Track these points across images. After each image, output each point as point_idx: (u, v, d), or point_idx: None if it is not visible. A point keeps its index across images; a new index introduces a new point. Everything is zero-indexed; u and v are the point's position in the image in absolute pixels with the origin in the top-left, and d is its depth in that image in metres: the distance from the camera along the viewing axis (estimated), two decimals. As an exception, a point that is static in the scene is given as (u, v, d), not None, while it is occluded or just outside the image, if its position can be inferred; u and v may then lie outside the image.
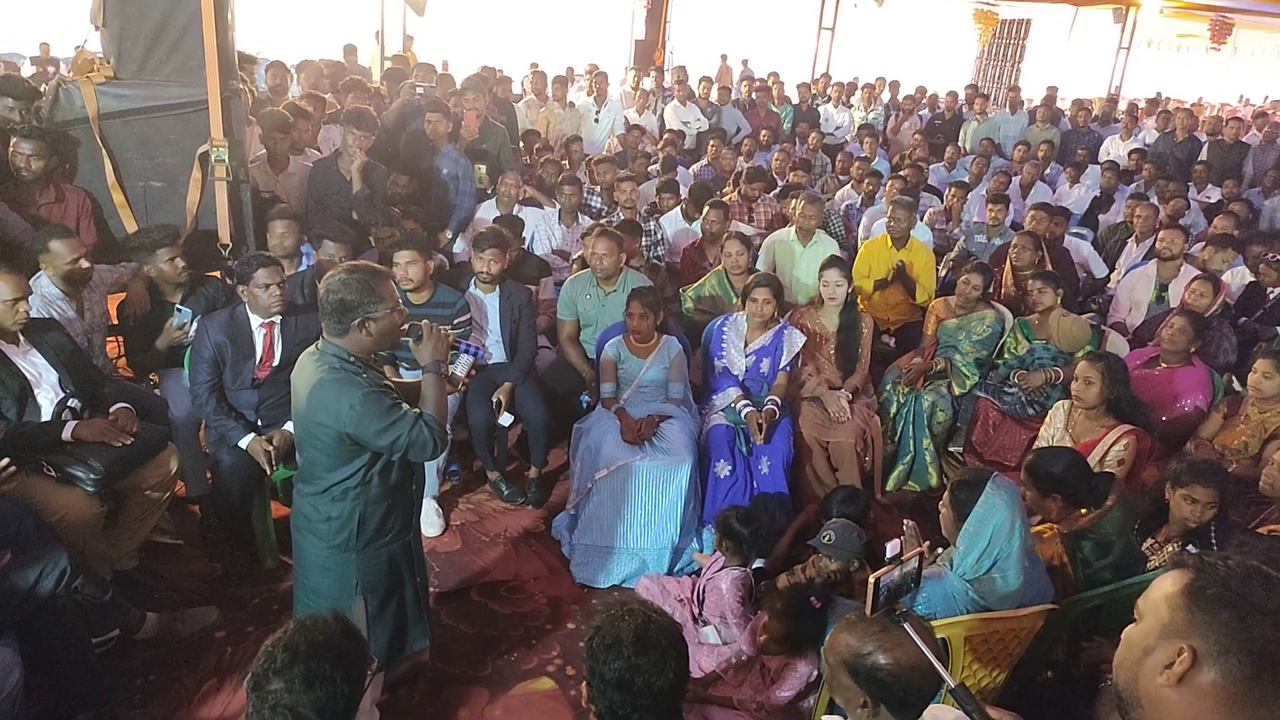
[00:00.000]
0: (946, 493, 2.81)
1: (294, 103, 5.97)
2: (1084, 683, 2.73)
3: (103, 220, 4.24)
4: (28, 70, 10.54)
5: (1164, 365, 4.48)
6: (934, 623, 2.56)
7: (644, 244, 5.77)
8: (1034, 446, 4.12)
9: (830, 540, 3.39)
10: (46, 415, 3.27)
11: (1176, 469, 3.20)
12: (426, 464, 3.23)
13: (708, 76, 11.60)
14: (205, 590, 3.57)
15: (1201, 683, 1.17)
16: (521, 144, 7.86)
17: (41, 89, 4.29)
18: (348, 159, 5.11)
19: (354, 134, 5.06)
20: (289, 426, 3.61)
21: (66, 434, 3.20)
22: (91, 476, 3.15)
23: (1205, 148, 9.31)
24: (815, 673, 3.12)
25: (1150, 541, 3.22)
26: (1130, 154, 9.23)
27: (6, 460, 2.98)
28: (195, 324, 3.89)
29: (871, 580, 1.76)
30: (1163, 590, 1.24)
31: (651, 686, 1.73)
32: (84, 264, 3.70)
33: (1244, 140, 9.46)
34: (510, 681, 3.24)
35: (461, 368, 2.78)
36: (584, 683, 1.85)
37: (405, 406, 2.46)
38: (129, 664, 3.12)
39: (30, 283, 3.38)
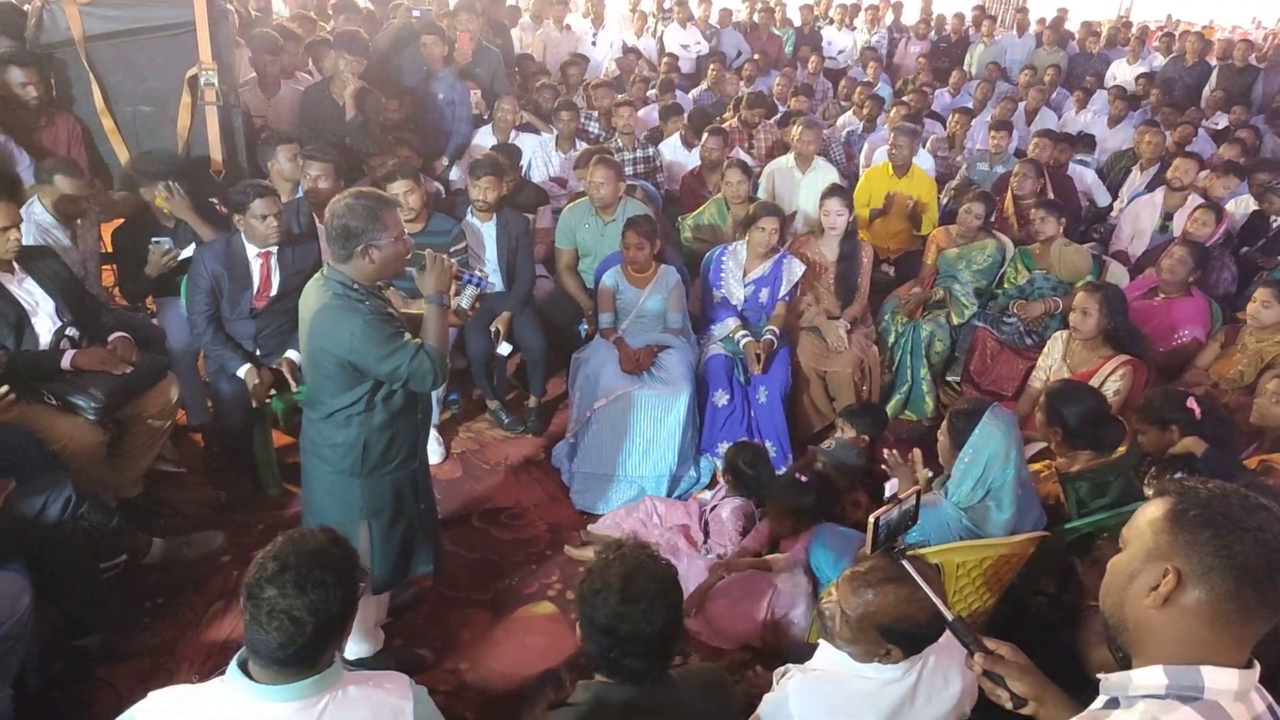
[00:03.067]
0: (945, 421, 2.84)
1: (282, 24, 5.81)
2: (1072, 612, 2.78)
3: (93, 146, 4.17)
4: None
5: (1163, 296, 4.46)
6: (927, 549, 2.61)
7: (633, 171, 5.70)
8: (1030, 377, 4.14)
9: (830, 447, 3.71)
10: (44, 344, 3.26)
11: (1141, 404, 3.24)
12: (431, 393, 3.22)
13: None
14: (210, 517, 3.61)
15: (1186, 602, 1.20)
16: (517, 68, 7.68)
17: (25, 9, 4.17)
18: (340, 84, 4.99)
19: (345, 59, 4.92)
20: (291, 353, 3.62)
21: (66, 362, 3.20)
22: (92, 405, 3.16)
23: (1215, 72, 9.09)
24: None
25: (1154, 470, 3.24)
26: (1138, 79, 9.03)
27: (6, 388, 2.99)
28: (184, 251, 3.86)
29: (871, 520, 1.78)
30: (1147, 517, 1.28)
31: (639, 634, 1.73)
32: (84, 204, 3.68)
33: (1253, 63, 9.24)
34: (512, 605, 3.31)
35: (467, 299, 2.74)
36: (577, 623, 1.86)
37: (407, 336, 2.45)
38: (137, 588, 3.17)
39: (22, 210, 3.33)
